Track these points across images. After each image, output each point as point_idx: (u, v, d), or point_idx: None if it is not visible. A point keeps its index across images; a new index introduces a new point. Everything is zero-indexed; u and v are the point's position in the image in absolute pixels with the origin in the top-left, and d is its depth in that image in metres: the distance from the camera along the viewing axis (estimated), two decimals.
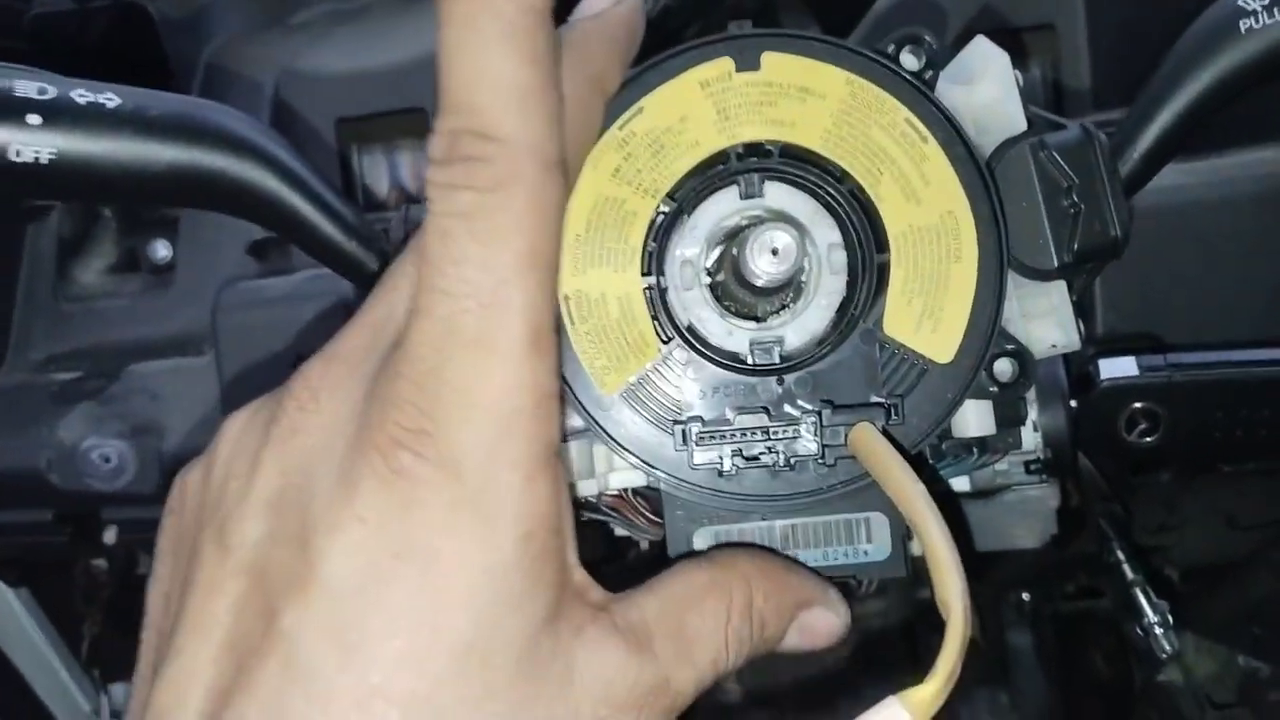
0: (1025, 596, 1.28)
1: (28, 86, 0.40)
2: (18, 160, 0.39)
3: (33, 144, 0.39)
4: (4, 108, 0.39)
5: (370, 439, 0.29)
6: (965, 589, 0.33)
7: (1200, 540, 0.79)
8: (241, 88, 0.84)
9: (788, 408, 0.41)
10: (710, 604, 0.35)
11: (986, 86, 0.45)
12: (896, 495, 0.36)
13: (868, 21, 0.82)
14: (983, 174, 0.41)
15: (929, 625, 1.03)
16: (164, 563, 0.36)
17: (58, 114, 0.40)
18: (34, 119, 0.39)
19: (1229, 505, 0.75)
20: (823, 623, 0.39)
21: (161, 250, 0.82)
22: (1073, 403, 0.54)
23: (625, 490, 0.46)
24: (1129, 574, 0.59)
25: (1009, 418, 0.45)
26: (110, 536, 0.69)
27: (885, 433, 0.39)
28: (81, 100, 0.41)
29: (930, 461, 0.47)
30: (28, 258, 0.81)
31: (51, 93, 0.40)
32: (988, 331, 0.40)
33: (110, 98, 0.41)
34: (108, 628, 0.82)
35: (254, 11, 0.89)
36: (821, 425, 0.40)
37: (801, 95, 0.41)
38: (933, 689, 0.31)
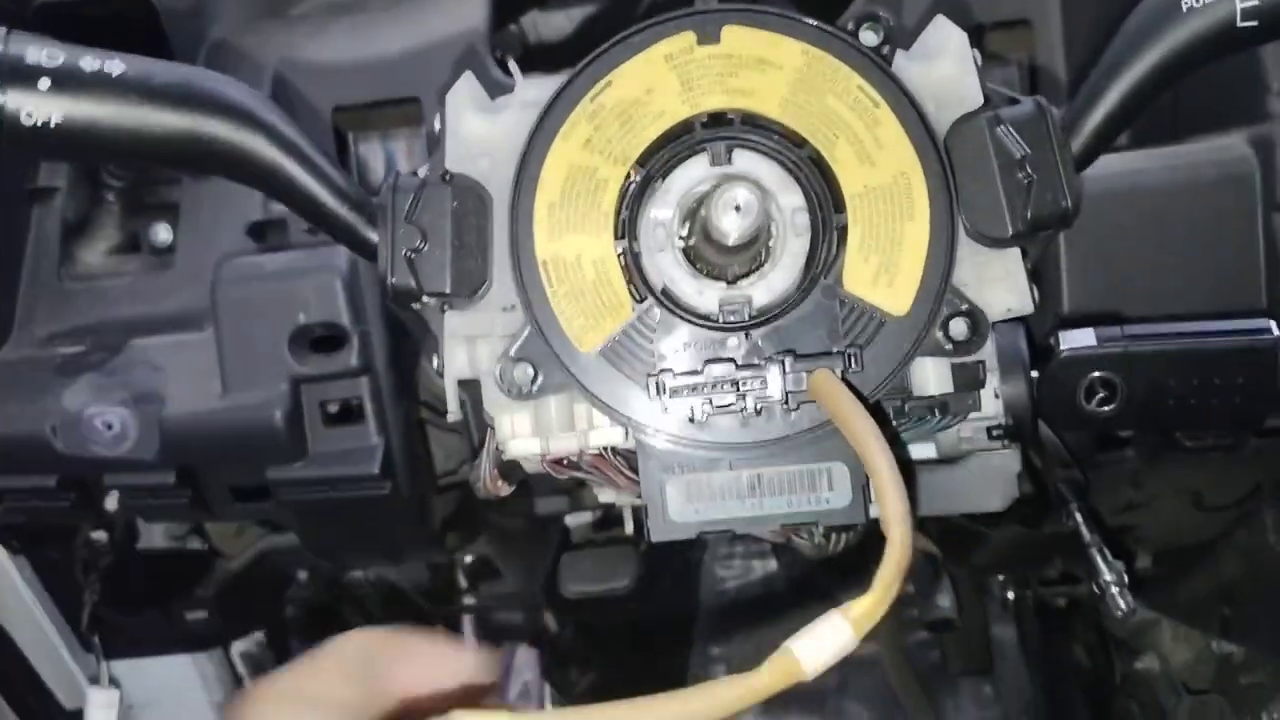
0: (1010, 595, 1.30)
1: (37, 54, 0.42)
2: (27, 123, 0.42)
3: (43, 108, 0.42)
4: (16, 74, 0.42)
5: None
6: (907, 513, 0.35)
7: (1168, 521, 0.81)
8: (241, 76, 0.86)
9: (755, 360, 0.43)
10: None
11: (945, 63, 0.47)
12: (848, 431, 0.39)
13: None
14: (931, 135, 0.43)
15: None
16: None
17: (66, 80, 0.42)
18: (44, 84, 0.42)
19: (1195, 484, 0.77)
20: None
21: (162, 233, 0.84)
22: (1034, 373, 0.56)
23: (605, 449, 0.49)
24: (1085, 535, 0.61)
25: (967, 381, 0.47)
26: (112, 503, 0.71)
27: (845, 380, 0.42)
28: (88, 67, 0.43)
29: (893, 422, 0.50)
30: (33, 238, 0.83)
31: (60, 59, 0.43)
32: (941, 284, 0.43)
33: (115, 65, 0.44)
34: (105, 600, 0.84)
35: (254, 2, 0.92)
36: (785, 372, 0.43)
37: (760, 66, 0.44)
38: (870, 601, 0.33)
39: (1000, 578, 1.24)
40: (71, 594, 0.91)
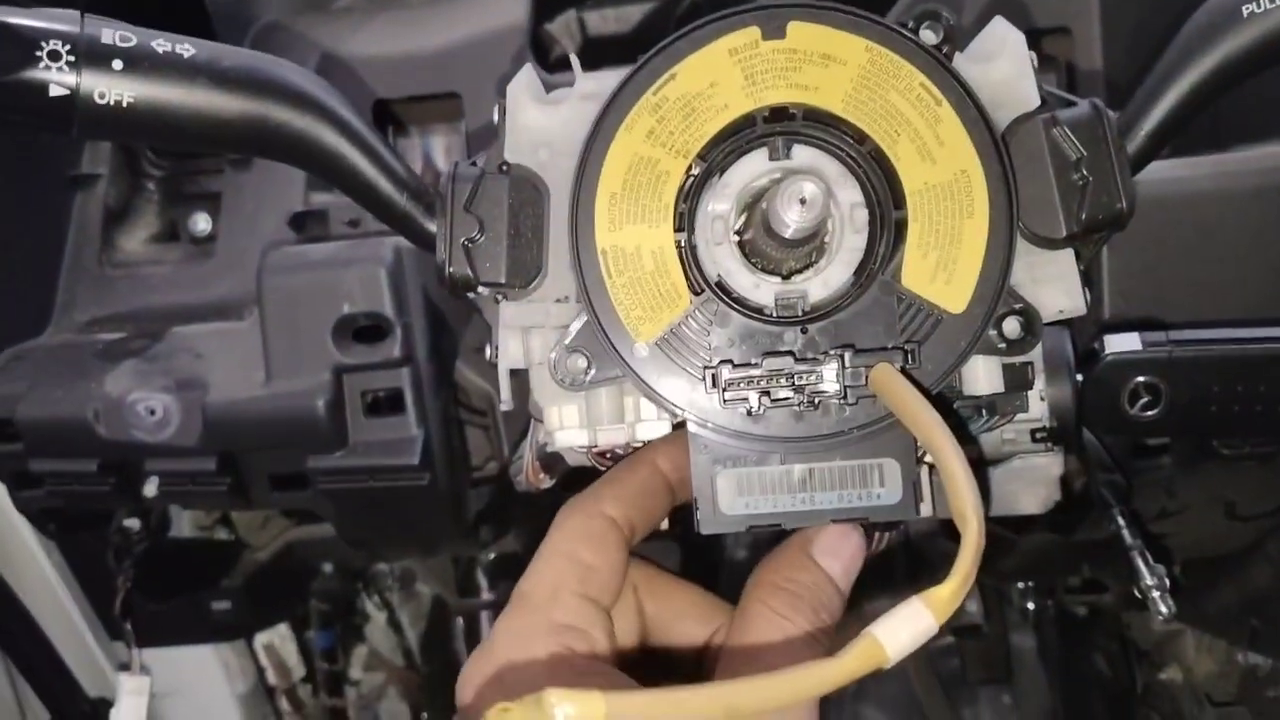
0: (1030, 606, 1.30)
1: (112, 35, 0.43)
2: (101, 102, 0.42)
3: (116, 88, 0.42)
4: (92, 54, 0.42)
5: None
6: (979, 502, 0.35)
7: (1200, 530, 0.81)
8: None
9: (811, 354, 0.44)
10: None
11: (1002, 63, 0.47)
12: (914, 423, 0.39)
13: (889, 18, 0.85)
14: (993, 134, 0.43)
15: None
16: None
17: (139, 61, 0.43)
18: (118, 64, 0.42)
19: (1228, 493, 0.77)
20: None
21: (201, 223, 0.85)
22: (1079, 376, 0.56)
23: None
24: (1128, 538, 0.61)
25: (1017, 381, 0.47)
26: (151, 488, 0.72)
27: (904, 373, 0.42)
28: (160, 49, 0.44)
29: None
30: (74, 225, 0.84)
31: (133, 41, 0.43)
32: (998, 282, 0.43)
33: (187, 48, 0.44)
34: (136, 587, 0.85)
35: None
36: (844, 366, 0.43)
37: (824, 61, 0.44)
38: (951, 589, 0.34)
39: (1021, 586, 1.24)
40: (98, 581, 0.92)
